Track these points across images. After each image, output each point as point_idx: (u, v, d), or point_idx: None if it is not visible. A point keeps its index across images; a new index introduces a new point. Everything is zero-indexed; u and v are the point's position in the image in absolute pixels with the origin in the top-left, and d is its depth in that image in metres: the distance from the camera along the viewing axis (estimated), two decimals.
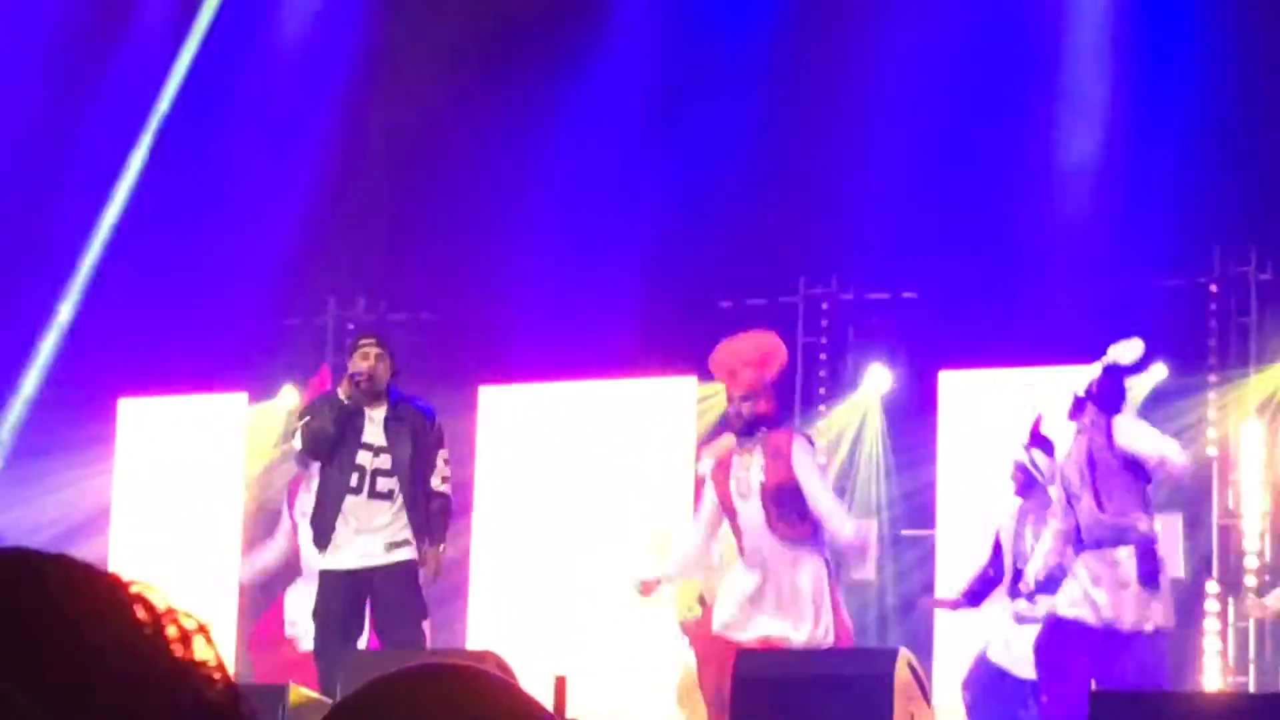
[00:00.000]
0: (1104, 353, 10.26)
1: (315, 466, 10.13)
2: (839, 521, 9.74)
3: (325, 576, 9.80)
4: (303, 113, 14.64)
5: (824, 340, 14.13)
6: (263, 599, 12.08)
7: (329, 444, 9.77)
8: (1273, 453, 12.73)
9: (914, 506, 13.59)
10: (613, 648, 13.22)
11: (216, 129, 14.87)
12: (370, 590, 9.69)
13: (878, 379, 13.81)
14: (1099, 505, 10.04)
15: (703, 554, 10.18)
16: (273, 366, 14.40)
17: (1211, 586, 12.77)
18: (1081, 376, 10.37)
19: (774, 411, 9.85)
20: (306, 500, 10.40)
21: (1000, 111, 13.41)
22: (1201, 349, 13.21)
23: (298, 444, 9.94)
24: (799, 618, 9.50)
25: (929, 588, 13.06)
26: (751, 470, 9.71)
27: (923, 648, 11.63)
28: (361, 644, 9.71)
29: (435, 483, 9.86)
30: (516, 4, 14.35)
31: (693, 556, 10.15)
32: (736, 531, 9.78)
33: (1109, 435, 10.02)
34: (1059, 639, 9.95)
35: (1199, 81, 12.85)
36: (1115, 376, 10.20)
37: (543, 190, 14.19)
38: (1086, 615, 9.91)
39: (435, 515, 9.84)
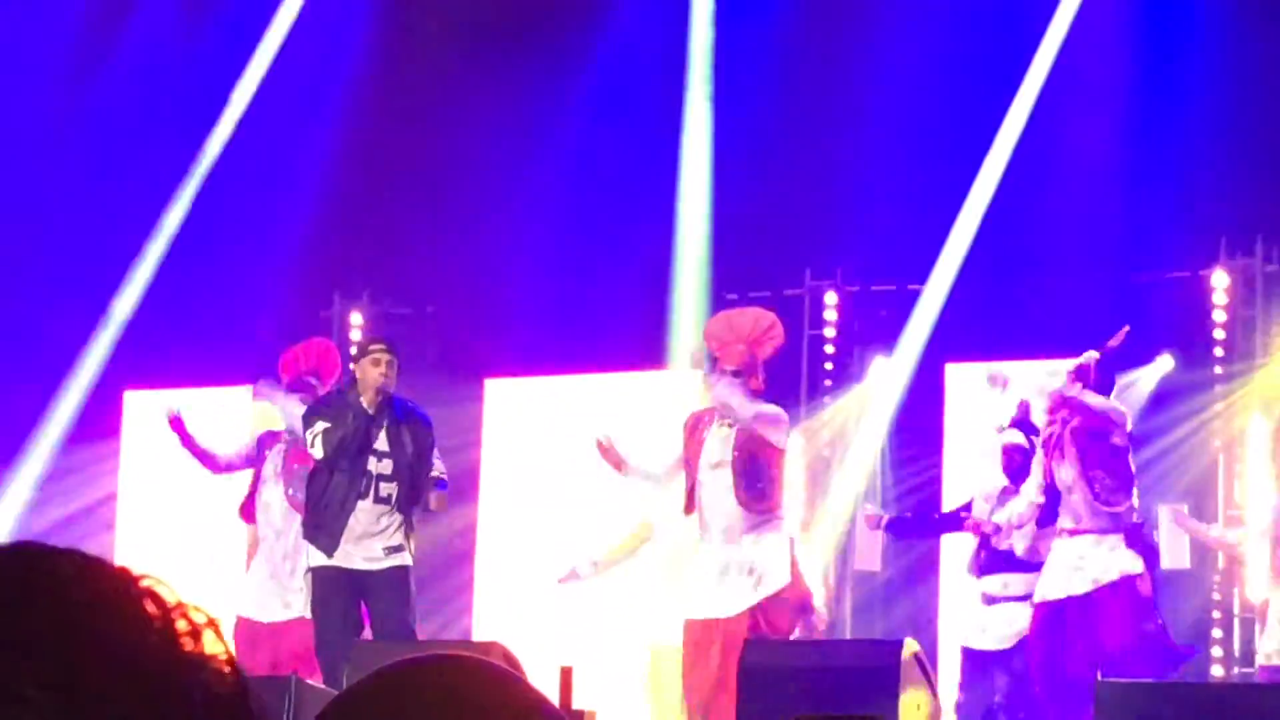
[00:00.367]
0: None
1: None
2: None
3: (322, 572, 9.83)
4: (308, 108, 14.64)
5: (829, 332, 14.13)
6: None
7: (348, 453, 9.82)
8: (1278, 444, 12.72)
9: (919, 498, 13.58)
10: (618, 638, 13.22)
11: (223, 125, 14.87)
12: (365, 592, 9.76)
13: (883, 371, 13.81)
14: (1093, 495, 10.10)
15: (655, 479, 10.23)
16: (278, 359, 14.40)
17: (1216, 578, 12.77)
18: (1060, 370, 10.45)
19: (763, 391, 9.81)
20: (270, 489, 10.67)
21: (1006, 104, 13.40)
22: (1207, 341, 13.20)
23: (318, 452, 9.90)
24: (763, 586, 9.52)
25: (934, 579, 13.08)
26: (727, 443, 9.70)
27: (928, 638, 11.63)
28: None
29: (434, 474, 10.03)
30: None
31: (648, 472, 10.18)
32: (697, 503, 9.78)
33: (1084, 408, 10.08)
34: (1052, 623, 10.04)
35: (1205, 73, 12.84)
36: (1102, 366, 10.28)
37: (547, 183, 14.18)
38: (1076, 588, 10.00)
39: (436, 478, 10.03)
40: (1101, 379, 10.27)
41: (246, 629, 10.88)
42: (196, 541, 14.19)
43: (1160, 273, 13.26)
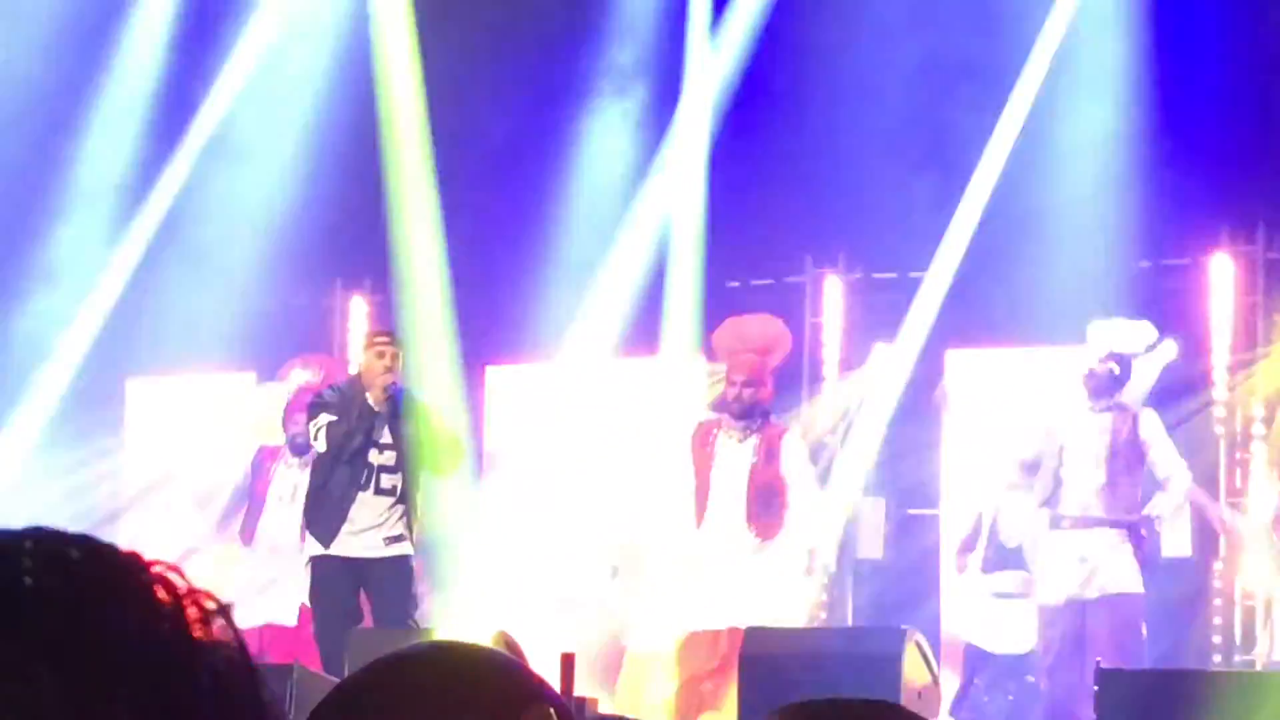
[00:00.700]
0: (1111, 334, 10.31)
1: (310, 456, 10.23)
2: (814, 515, 9.79)
3: (322, 561, 9.83)
4: (310, 95, 14.63)
5: (831, 320, 14.12)
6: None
7: (351, 447, 9.82)
8: None
9: (920, 486, 13.58)
10: (620, 626, 13.21)
11: (224, 111, 14.86)
12: (365, 581, 9.77)
13: (884, 358, 13.80)
14: (1111, 493, 10.10)
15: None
16: (280, 346, 14.40)
17: (1218, 566, 12.76)
18: (1088, 357, 10.41)
19: (772, 399, 9.84)
20: (282, 484, 10.69)
21: (1007, 90, 13.38)
22: (1209, 329, 13.18)
23: (321, 446, 9.90)
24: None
25: (936, 568, 13.08)
26: (742, 458, 9.71)
27: (930, 627, 11.64)
28: None
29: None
30: None
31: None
32: (704, 511, 9.79)
33: (1135, 427, 10.09)
34: (1063, 625, 10.04)
35: (1207, 59, 12.82)
36: (1126, 363, 10.29)
37: (548, 172, 14.18)
38: (1086, 593, 9.99)
39: None
40: (1133, 380, 10.33)
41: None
42: (200, 531, 14.18)
43: (1161, 260, 13.25)
